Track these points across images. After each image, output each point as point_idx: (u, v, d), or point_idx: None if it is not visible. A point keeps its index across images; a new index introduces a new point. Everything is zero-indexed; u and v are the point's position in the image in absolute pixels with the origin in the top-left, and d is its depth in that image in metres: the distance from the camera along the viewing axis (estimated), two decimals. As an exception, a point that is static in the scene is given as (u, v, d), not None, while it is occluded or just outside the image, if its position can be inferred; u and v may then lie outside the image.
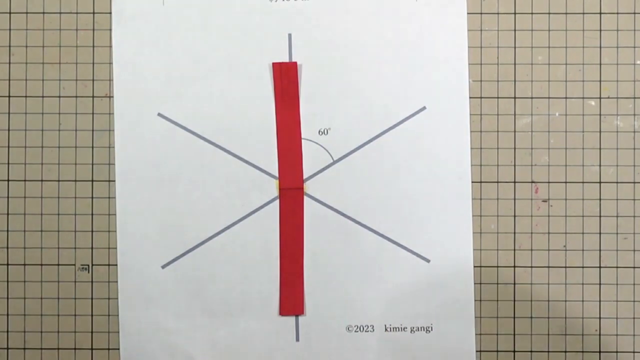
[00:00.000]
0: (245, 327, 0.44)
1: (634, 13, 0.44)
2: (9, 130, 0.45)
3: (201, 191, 0.44)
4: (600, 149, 0.44)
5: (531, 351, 0.44)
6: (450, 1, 0.45)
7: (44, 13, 0.45)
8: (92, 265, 0.45)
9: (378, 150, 0.44)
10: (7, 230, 0.45)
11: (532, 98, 0.44)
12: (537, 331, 0.44)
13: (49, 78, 0.45)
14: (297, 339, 0.44)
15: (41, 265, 0.45)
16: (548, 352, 0.44)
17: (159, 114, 0.45)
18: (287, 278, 0.44)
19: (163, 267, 0.44)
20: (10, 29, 0.45)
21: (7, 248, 0.45)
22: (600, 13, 0.44)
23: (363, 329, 0.44)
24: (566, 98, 0.44)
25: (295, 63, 0.44)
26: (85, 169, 0.45)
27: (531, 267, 0.44)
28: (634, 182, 0.44)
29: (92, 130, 0.45)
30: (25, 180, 0.45)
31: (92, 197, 0.45)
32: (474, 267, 0.44)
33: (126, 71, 0.45)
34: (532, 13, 0.44)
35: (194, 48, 0.45)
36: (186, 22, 0.45)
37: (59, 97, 0.45)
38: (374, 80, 0.44)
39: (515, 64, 0.44)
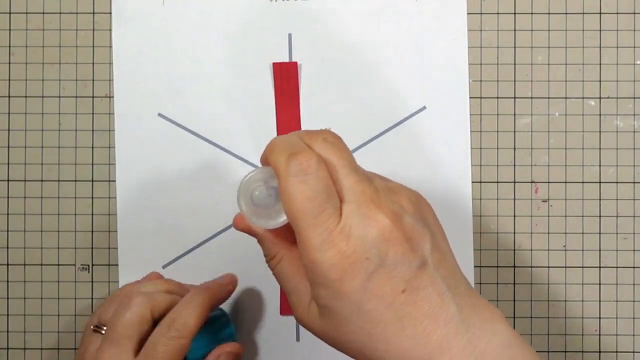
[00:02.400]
0: (245, 327, 0.44)
1: (634, 13, 0.44)
2: (8, 130, 0.45)
3: (201, 191, 0.44)
4: (600, 149, 0.44)
5: (531, 351, 0.44)
6: (450, 1, 0.45)
7: (43, 13, 0.45)
8: (92, 265, 0.45)
9: (378, 149, 0.44)
10: (7, 230, 0.45)
11: (532, 98, 0.44)
12: (537, 331, 0.44)
13: (49, 78, 0.45)
14: (298, 339, 0.44)
15: (41, 265, 0.45)
16: (548, 352, 0.44)
17: (159, 114, 0.45)
18: (287, 278, 0.44)
19: (163, 267, 0.44)
20: (10, 29, 0.45)
21: (7, 248, 0.45)
22: (600, 13, 0.44)
23: (363, 329, 0.44)
24: (566, 98, 0.44)
25: (295, 63, 0.44)
26: (85, 169, 0.45)
27: (531, 267, 0.44)
28: (634, 182, 0.44)
29: (92, 130, 0.45)
30: (25, 180, 0.45)
31: (92, 197, 0.45)
32: (474, 267, 0.44)
33: (126, 71, 0.45)
34: (532, 13, 0.44)
35: (194, 48, 0.45)
36: (186, 22, 0.45)
37: (59, 97, 0.45)
38: (374, 80, 0.44)
39: (515, 64, 0.44)
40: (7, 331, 0.45)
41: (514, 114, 0.44)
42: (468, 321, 0.28)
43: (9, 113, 0.45)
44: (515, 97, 0.44)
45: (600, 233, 0.44)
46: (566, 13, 0.44)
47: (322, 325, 0.29)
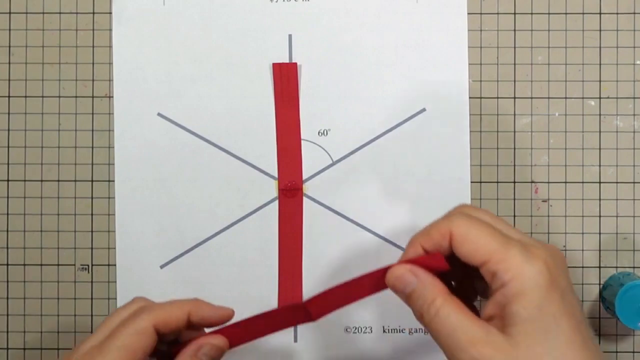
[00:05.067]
0: (244, 327, 0.44)
1: (634, 13, 0.44)
2: (8, 130, 0.45)
3: (200, 191, 0.44)
4: (600, 149, 0.44)
5: (531, 352, 0.44)
6: (450, 1, 0.44)
7: (43, 13, 0.45)
8: (92, 265, 0.45)
9: (378, 151, 0.44)
10: (7, 231, 0.45)
11: (531, 98, 0.44)
12: (537, 332, 0.44)
13: (49, 78, 0.45)
14: (296, 340, 0.44)
15: (41, 265, 0.45)
16: (548, 352, 0.44)
17: (159, 114, 0.45)
18: (285, 279, 0.44)
19: (162, 267, 0.44)
20: (10, 29, 0.45)
21: (7, 248, 0.45)
22: (600, 13, 0.44)
23: (361, 330, 0.44)
24: (566, 98, 0.44)
25: (295, 63, 0.44)
26: (85, 169, 0.45)
27: (531, 267, 0.44)
28: (634, 182, 0.44)
29: (92, 130, 0.45)
30: (25, 180, 0.45)
31: (92, 197, 0.45)
32: (474, 267, 0.44)
33: (126, 71, 0.45)
34: (532, 13, 0.44)
35: (194, 48, 0.45)
36: (186, 23, 0.45)
37: (59, 97, 0.45)
38: (373, 80, 0.44)
39: (515, 64, 0.44)
40: (7, 331, 0.45)
41: (514, 114, 0.44)
42: None
43: (8, 113, 0.45)
44: (515, 97, 0.44)
45: (600, 233, 0.44)
46: (566, 13, 0.44)
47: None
